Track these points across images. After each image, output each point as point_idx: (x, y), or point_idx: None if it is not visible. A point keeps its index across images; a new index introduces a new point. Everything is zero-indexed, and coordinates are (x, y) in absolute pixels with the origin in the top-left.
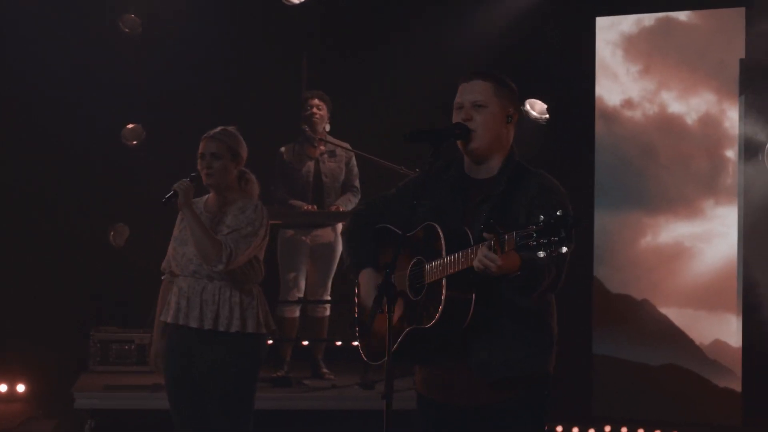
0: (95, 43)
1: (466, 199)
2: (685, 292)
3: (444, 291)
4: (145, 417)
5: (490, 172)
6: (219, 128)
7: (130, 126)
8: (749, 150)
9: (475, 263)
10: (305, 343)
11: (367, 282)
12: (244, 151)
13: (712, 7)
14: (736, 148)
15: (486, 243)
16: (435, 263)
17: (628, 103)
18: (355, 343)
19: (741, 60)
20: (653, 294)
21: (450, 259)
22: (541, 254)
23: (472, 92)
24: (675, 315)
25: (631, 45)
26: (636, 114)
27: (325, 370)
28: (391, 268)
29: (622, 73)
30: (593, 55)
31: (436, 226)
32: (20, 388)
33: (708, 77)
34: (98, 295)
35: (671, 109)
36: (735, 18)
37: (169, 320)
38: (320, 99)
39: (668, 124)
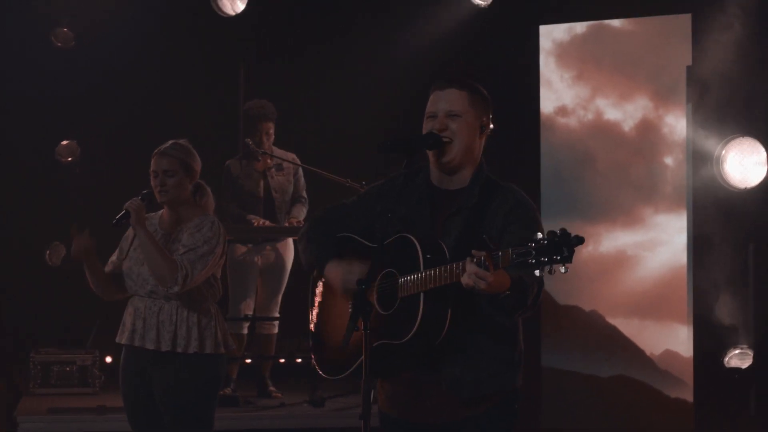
0: (28, 58)
1: (436, 211)
2: (631, 302)
3: (421, 306)
4: None
5: (461, 183)
6: (170, 142)
7: (64, 142)
8: (697, 157)
9: (465, 279)
10: (248, 361)
11: (337, 274)
12: (198, 165)
13: (659, 14)
14: (676, 154)
15: (474, 259)
16: (411, 277)
17: (563, 110)
18: (299, 360)
19: (688, 67)
20: (601, 304)
21: (430, 274)
22: (538, 273)
23: (446, 101)
24: (623, 325)
25: (564, 52)
26: (571, 121)
27: (272, 388)
28: (366, 284)
29: (556, 79)
30: (537, 63)
31: (412, 238)
32: None
33: (643, 83)
34: (37, 315)
35: (607, 116)
36: (673, 24)
37: (124, 341)
38: (272, 121)
39: (604, 131)
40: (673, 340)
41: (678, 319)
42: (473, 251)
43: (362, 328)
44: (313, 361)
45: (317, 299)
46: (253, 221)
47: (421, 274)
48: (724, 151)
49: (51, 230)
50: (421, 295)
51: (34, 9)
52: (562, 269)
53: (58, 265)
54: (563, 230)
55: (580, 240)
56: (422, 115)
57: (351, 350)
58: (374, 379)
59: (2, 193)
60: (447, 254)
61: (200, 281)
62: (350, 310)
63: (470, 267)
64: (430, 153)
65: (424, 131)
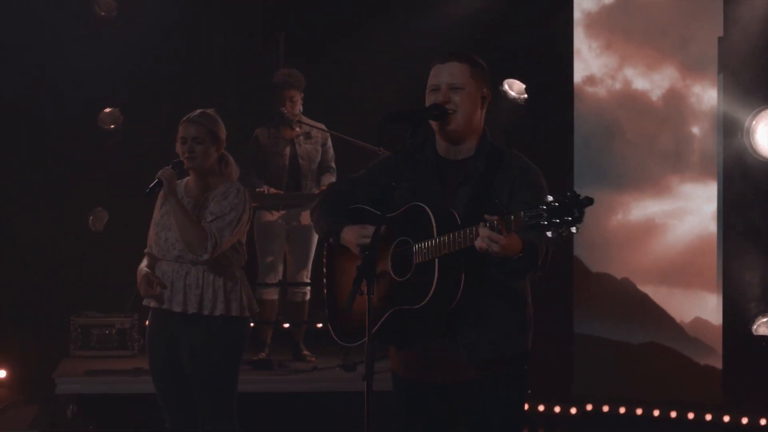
0: (71, 27)
1: (445, 181)
2: (661, 270)
3: (437, 272)
4: (127, 401)
5: (467, 153)
6: (198, 111)
7: (107, 110)
8: (727, 128)
9: (478, 243)
10: (286, 325)
11: (353, 235)
12: (224, 134)
13: None
14: (702, 124)
15: (488, 223)
16: (425, 243)
17: (591, 80)
18: (322, 325)
19: (719, 38)
20: (632, 272)
21: (444, 240)
22: (550, 234)
23: (448, 74)
24: (654, 293)
25: (593, 22)
26: (599, 90)
27: (306, 352)
28: (372, 249)
29: (584, 49)
30: (571, 33)
31: (425, 206)
32: (1, 374)
33: (671, 54)
34: (78, 280)
35: (635, 85)
36: None
37: (152, 305)
38: (295, 89)
39: (632, 100)
40: (702, 308)
41: (707, 288)
42: (486, 216)
43: (366, 291)
44: (330, 328)
45: (332, 268)
46: (264, 190)
47: (436, 240)
48: (754, 122)
49: (94, 196)
50: (436, 261)
51: None
52: (574, 230)
53: (101, 230)
54: (573, 192)
55: (590, 201)
56: None
57: (364, 317)
58: (386, 346)
59: (46, 160)
60: (459, 222)
61: (228, 247)
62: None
63: (483, 231)
64: (435, 124)
65: (427, 104)
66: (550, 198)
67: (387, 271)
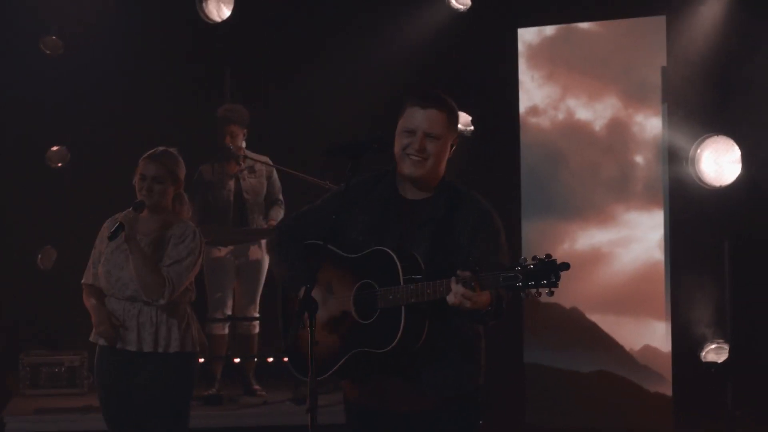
0: (17, 65)
1: (403, 221)
2: (610, 299)
3: (403, 318)
4: None
5: (425, 193)
6: (160, 149)
7: (54, 148)
8: (672, 156)
9: (451, 299)
10: (237, 360)
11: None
12: (183, 174)
13: (633, 16)
14: (645, 153)
15: (459, 279)
16: (392, 290)
17: (534, 111)
18: (285, 359)
19: (662, 67)
20: (581, 301)
21: (414, 289)
22: (524, 295)
23: (427, 121)
24: (603, 322)
25: (534, 53)
26: (542, 121)
27: (256, 387)
28: (312, 283)
29: (527, 80)
30: (516, 66)
31: (390, 252)
32: None
33: (612, 83)
34: (27, 318)
35: (578, 115)
36: (640, 26)
37: (100, 343)
38: (236, 124)
39: (575, 130)
40: (651, 335)
41: (655, 315)
42: (459, 272)
43: (308, 324)
44: (289, 364)
45: (286, 301)
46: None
47: (404, 288)
48: (699, 150)
49: (42, 234)
50: (403, 308)
51: (23, 17)
52: (548, 293)
53: (50, 268)
54: (549, 256)
55: (566, 266)
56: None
57: (327, 353)
58: (338, 379)
59: None
60: (422, 267)
61: (182, 290)
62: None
63: (457, 288)
64: (399, 166)
65: (397, 143)
66: (524, 258)
67: (349, 312)
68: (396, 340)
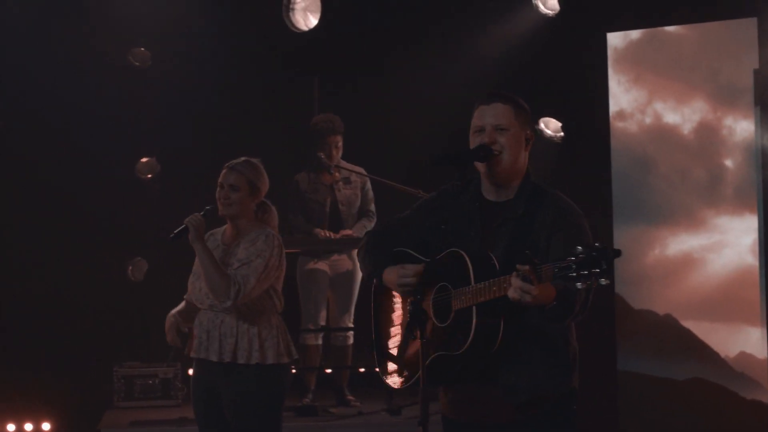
0: (107, 77)
1: (485, 223)
2: (704, 305)
3: (474, 318)
4: None
5: (508, 194)
6: (242, 159)
7: (144, 159)
8: (765, 160)
9: (511, 293)
10: (329, 371)
11: (395, 278)
12: (264, 185)
13: (723, 19)
14: (735, 156)
15: (520, 273)
16: (463, 290)
17: (621, 115)
18: (378, 369)
19: (755, 70)
20: (675, 307)
21: (480, 287)
22: (580, 285)
23: (493, 115)
24: (697, 328)
25: (620, 57)
26: (629, 125)
27: (350, 397)
28: (420, 294)
29: (613, 85)
30: (606, 70)
31: (462, 252)
32: (45, 426)
33: (700, 86)
34: (119, 330)
35: (665, 119)
36: (727, 28)
37: (192, 354)
38: (338, 134)
39: (663, 134)
40: (747, 341)
41: (750, 322)
42: (518, 265)
43: (419, 336)
44: (378, 372)
45: (378, 310)
46: (319, 233)
47: (473, 287)
48: None
49: (133, 246)
50: (474, 308)
51: (112, 29)
52: (603, 281)
53: (141, 280)
54: (601, 244)
55: (617, 253)
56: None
57: (412, 360)
58: (434, 388)
59: (86, 209)
60: (497, 266)
61: (255, 294)
62: (407, 319)
63: (515, 281)
64: (481, 166)
65: (472, 145)
66: (579, 249)
67: (429, 316)
68: (469, 341)
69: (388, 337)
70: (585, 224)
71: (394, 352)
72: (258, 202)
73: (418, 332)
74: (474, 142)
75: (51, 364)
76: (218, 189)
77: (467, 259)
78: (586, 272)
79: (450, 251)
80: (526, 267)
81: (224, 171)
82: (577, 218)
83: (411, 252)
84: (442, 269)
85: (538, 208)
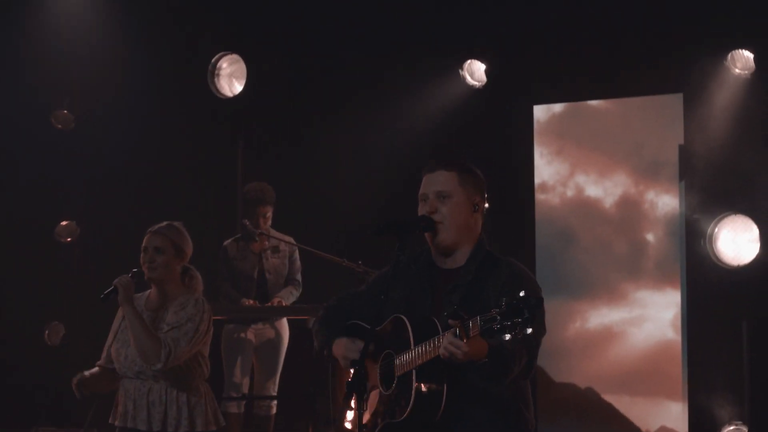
0: (28, 139)
1: (435, 290)
2: (623, 379)
3: (414, 383)
4: None
5: (459, 261)
6: (165, 223)
7: (64, 223)
8: (689, 234)
9: (441, 351)
10: None
11: (343, 349)
12: (189, 248)
13: (649, 94)
14: (656, 230)
15: (451, 330)
16: (404, 355)
17: (543, 187)
18: None
19: (680, 145)
20: (596, 381)
21: (418, 350)
22: (507, 337)
23: (436, 183)
24: (618, 402)
25: (542, 130)
26: (551, 198)
27: None
28: (360, 364)
29: (536, 156)
30: (531, 142)
31: (403, 317)
32: None
33: (622, 160)
34: (36, 394)
35: (587, 192)
36: (651, 104)
37: (116, 423)
38: (269, 204)
39: (585, 207)
40: (667, 416)
41: (671, 396)
42: (450, 321)
43: (356, 407)
44: None
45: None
46: (244, 302)
47: (412, 351)
48: (717, 228)
49: (50, 310)
50: (413, 371)
51: (35, 91)
52: (527, 331)
53: (57, 344)
54: (524, 293)
55: (539, 301)
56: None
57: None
58: None
59: (2, 272)
60: (440, 329)
61: (184, 358)
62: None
63: (445, 339)
64: (426, 235)
65: (419, 214)
66: (504, 299)
67: (377, 384)
68: (410, 406)
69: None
70: (537, 288)
71: (348, 425)
72: (183, 264)
73: (356, 402)
74: (420, 210)
75: None
76: (142, 254)
77: (407, 323)
78: (509, 322)
79: (393, 317)
80: (456, 321)
81: (148, 235)
82: (529, 282)
83: (361, 323)
84: (387, 336)
85: (490, 273)
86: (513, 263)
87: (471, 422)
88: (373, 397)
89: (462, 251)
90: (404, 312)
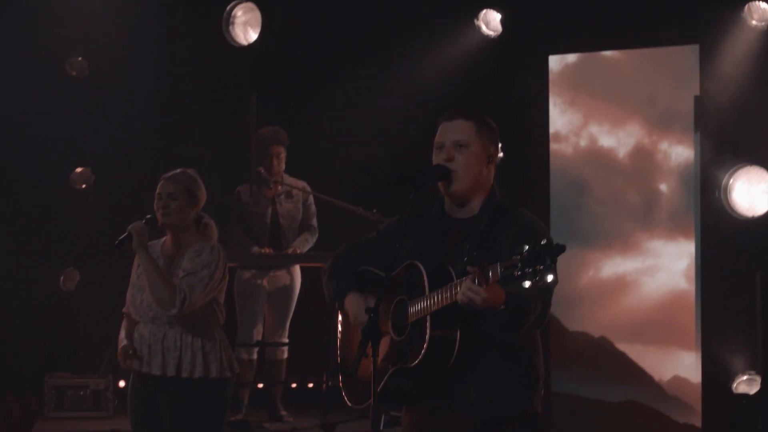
0: (42, 87)
1: (447, 239)
2: (636, 328)
3: (428, 329)
4: None
5: (471, 211)
6: (179, 170)
7: (78, 170)
8: (704, 186)
9: (459, 297)
10: (260, 385)
11: (354, 306)
12: (202, 195)
13: (665, 45)
14: (670, 181)
15: (470, 276)
16: (418, 302)
17: (556, 137)
18: (311, 385)
19: (696, 97)
20: (609, 330)
21: (433, 296)
22: (527, 284)
23: (453, 131)
24: (631, 351)
25: (555, 80)
26: (564, 147)
27: (283, 412)
28: (375, 311)
29: (549, 107)
30: (546, 92)
31: (418, 264)
32: None
33: (635, 111)
34: (51, 341)
35: (601, 142)
36: (665, 55)
37: (130, 367)
38: (281, 145)
39: (598, 157)
40: (680, 365)
41: (684, 346)
42: (468, 267)
43: (371, 354)
44: (342, 392)
45: (341, 331)
46: (256, 251)
47: (427, 297)
48: (731, 180)
49: (65, 256)
50: (428, 317)
51: (49, 39)
52: (549, 278)
53: (72, 290)
54: (546, 241)
55: (561, 248)
56: (433, 144)
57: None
58: (386, 406)
59: (18, 219)
60: (454, 277)
61: (200, 305)
62: (365, 321)
63: (464, 284)
64: (440, 184)
65: (434, 162)
66: (525, 247)
67: (388, 331)
68: (423, 352)
69: (349, 356)
70: (550, 240)
71: (356, 370)
72: (197, 211)
73: (371, 349)
74: (435, 158)
75: None
76: (156, 200)
77: (422, 269)
78: (530, 269)
79: (406, 264)
80: (475, 268)
81: (161, 182)
82: (541, 233)
83: (373, 270)
84: (401, 282)
85: (502, 223)
86: (525, 214)
87: (482, 370)
88: (384, 344)
89: (475, 201)
90: (417, 260)
